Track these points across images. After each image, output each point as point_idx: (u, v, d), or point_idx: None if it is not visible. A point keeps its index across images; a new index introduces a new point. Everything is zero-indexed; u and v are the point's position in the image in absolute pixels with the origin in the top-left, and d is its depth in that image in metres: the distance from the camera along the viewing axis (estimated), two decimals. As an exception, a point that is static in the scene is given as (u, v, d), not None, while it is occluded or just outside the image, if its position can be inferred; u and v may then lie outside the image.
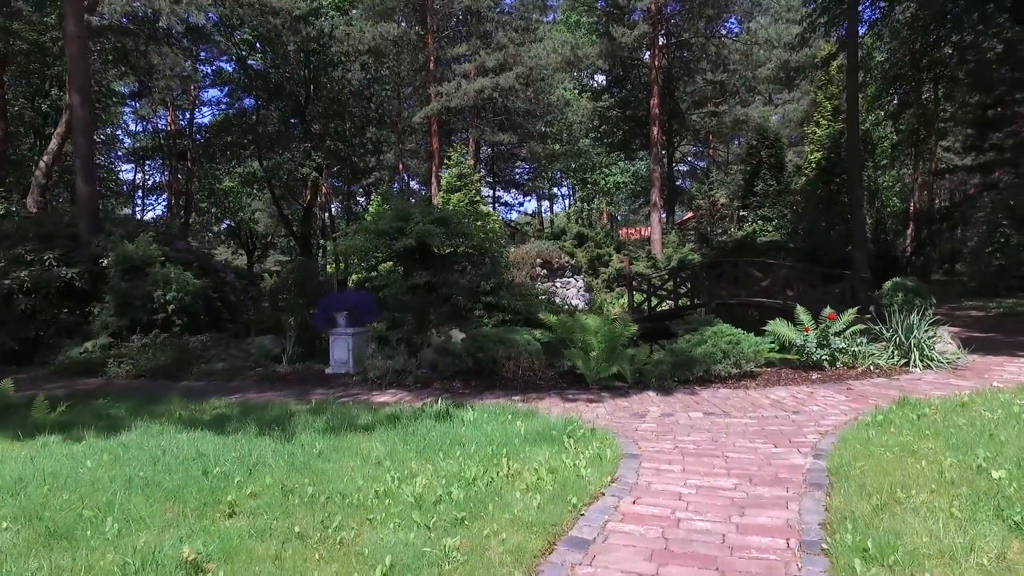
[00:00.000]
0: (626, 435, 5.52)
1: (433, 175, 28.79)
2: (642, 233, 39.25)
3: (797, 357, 8.72)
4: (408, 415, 6.07)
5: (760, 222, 27.21)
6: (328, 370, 9.23)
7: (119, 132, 43.85)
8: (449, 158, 26.00)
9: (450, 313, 17.17)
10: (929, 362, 8.33)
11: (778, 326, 8.82)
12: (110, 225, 13.68)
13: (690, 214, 43.89)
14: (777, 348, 8.64)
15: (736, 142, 46.57)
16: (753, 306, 18.11)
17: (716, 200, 30.37)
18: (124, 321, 11.98)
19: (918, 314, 9.45)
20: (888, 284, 13.29)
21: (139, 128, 45.62)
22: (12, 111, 28.80)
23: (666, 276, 21.01)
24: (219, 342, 11.42)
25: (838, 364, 8.32)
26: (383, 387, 8.33)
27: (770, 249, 24.48)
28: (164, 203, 40.15)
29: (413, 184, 44.49)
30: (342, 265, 26.45)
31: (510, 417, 5.87)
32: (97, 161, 40.68)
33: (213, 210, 46.78)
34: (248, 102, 37.04)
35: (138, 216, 46.04)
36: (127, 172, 47.97)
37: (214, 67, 36.96)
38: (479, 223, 24.76)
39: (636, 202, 55.42)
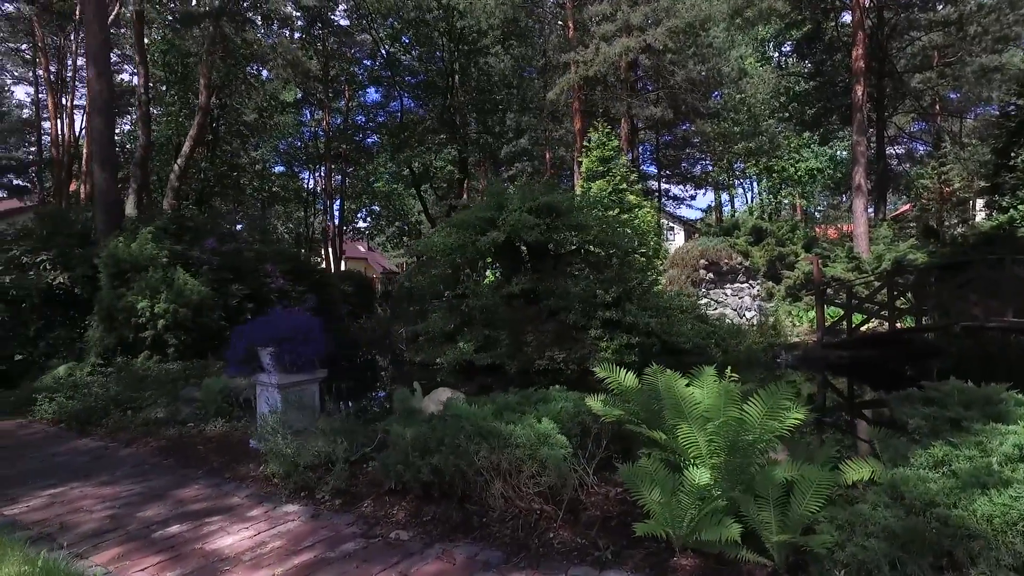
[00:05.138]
0: None
1: (575, 161, 24.69)
2: (843, 231, 31.78)
3: None
4: None
5: (1020, 206, 19.41)
6: (253, 441, 5.54)
7: (298, 142, 44.27)
8: (589, 139, 21.74)
9: (555, 333, 12.91)
10: None
11: None
12: (134, 220, 11.36)
13: (907, 206, 35.10)
14: None
15: (973, 114, 36.54)
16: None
17: (949, 182, 22.74)
18: (111, 339, 9.42)
19: None
20: None
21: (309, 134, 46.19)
22: (160, 119, 29.62)
23: (876, 282, 14.88)
24: (197, 373, 8.36)
25: None
26: (287, 493, 4.46)
27: (1041, 245, 17.02)
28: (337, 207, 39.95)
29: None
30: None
31: None
32: (278, 169, 42.07)
33: (384, 213, 46.98)
34: (398, 104, 35.74)
35: (314, 220, 46.67)
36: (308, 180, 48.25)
37: (363, 68, 36.03)
38: (624, 214, 20.29)
39: (835, 195, 46.52)
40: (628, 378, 4.46)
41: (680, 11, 20.32)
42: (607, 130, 21.58)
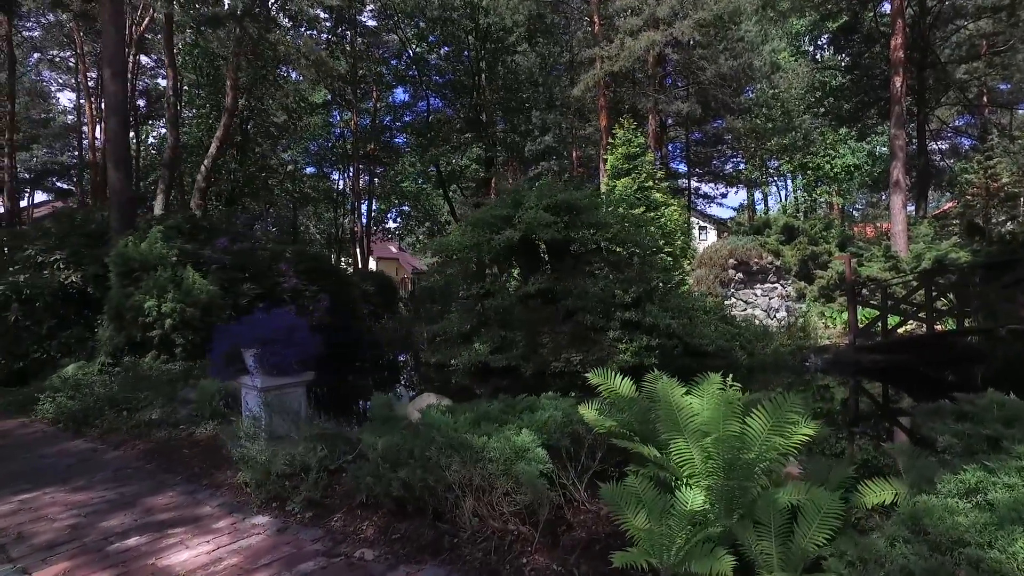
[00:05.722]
0: None
1: (601, 159, 24.21)
2: (881, 230, 30.65)
3: None
4: None
5: (1074, 203, 18.39)
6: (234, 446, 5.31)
7: (328, 143, 44.12)
8: (614, 136, 21.26)
9: (572, 334, 12.50)
10: None
11: None
12: (148, 219, 11.35)
13: (950, 203, 33.73)
14: None
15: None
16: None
17: (996, 176, 21.65)
18: (120, 338, 9.37)
19: None
20: None
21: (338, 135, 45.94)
22: (191, 121, 30.06)
23: (914, 282, 14.12)
24: (199, 374, 8.21)
25: None
26: (259, 504, 4.20)
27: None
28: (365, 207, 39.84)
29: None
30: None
31: None
32: (309, 170, 42.17)
33: (413, 213, 47.06)
34: (424, 104, 35.64)
35: (346, 221, 46.60)
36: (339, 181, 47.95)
37: (389, 68, 35.99)
38: (650, 213, 19.76)
39: (874, 192, 44.96)
40: (624, 385, 4.10)
41: (708, 3, 19.71)
42: (633, 127, 21.07)
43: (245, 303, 10.55)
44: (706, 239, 43.57)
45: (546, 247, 13.71)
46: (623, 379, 4.06)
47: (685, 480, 3.22)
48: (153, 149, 36.37)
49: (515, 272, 14.81)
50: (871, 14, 25.89)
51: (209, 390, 6.69)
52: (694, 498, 3.05)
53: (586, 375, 11.01)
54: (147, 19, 27.44)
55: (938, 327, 13.01)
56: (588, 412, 4.15)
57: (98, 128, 33.66)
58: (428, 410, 4.16)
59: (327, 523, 3.87)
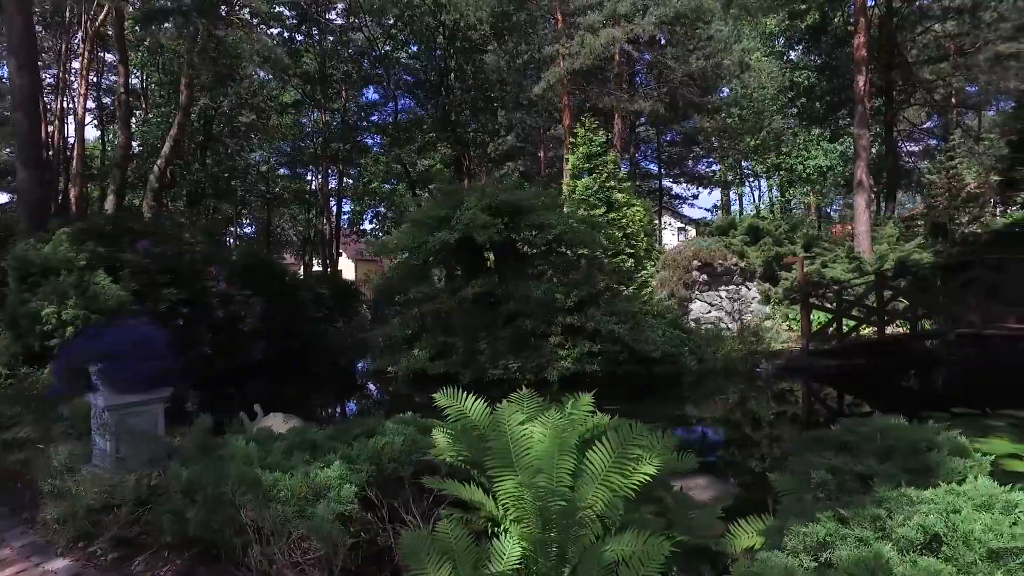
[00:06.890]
0: None
1: (564, 158, 23.80)
2: (848, 230, 30.53)
3: None
4: None
5: (1036, 203, 18.22)
6: (86, 469, 4.75)
7: (302, 142, 42.85)
8: (575, 135, 20.84)
9: (512, 340, 12.02)
10: None
11: None
12: (59, 221, 10.70)
13: (922, 206, 33.74)
14: None
15: (994, 108, 34.92)
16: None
17: (961, 177, 21.45)
18: (17, 348, 8.76)
19: None
20: None
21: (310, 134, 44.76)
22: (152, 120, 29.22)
23: (873, 282, 13.76)
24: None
25: None
26: (65, 543, 3.68)
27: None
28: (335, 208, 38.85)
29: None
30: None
31: None
32: (282, 172, 41.14)
33: (388, 215, 46.29)
34: (395, 104, 35.01)
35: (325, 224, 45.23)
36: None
37: (356, 67, 35.29)
38: (612, 213, 19.35)
39: (848, 193, 45.03)
40: (476, 408, 3.60)
41: (671, 0, 19.34)
42: (594, 126, 20.66)
43: (164, 309, 9.96)
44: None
45: (491, 249, 13.23)
46: (475, 400, 3.57)
47: (509, 527, 2.74)
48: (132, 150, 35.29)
49: (459, 275, 14.33)
50: (840, 13, 25.71)
51: (83, 406, 6.11)
52: (511, 549, 2.57)
53: (525, 382, 10.42)
54: (103, 13, 26.49)
55: (900, 330, 12.72)
56: (441, 437, 3.66)
57: (65, 127, 32.51)
58: (228, 438, 3.65)
59: (129, 567, 3.36)
